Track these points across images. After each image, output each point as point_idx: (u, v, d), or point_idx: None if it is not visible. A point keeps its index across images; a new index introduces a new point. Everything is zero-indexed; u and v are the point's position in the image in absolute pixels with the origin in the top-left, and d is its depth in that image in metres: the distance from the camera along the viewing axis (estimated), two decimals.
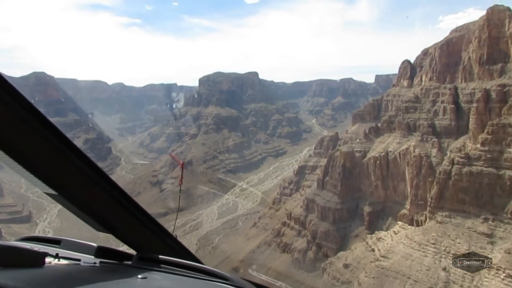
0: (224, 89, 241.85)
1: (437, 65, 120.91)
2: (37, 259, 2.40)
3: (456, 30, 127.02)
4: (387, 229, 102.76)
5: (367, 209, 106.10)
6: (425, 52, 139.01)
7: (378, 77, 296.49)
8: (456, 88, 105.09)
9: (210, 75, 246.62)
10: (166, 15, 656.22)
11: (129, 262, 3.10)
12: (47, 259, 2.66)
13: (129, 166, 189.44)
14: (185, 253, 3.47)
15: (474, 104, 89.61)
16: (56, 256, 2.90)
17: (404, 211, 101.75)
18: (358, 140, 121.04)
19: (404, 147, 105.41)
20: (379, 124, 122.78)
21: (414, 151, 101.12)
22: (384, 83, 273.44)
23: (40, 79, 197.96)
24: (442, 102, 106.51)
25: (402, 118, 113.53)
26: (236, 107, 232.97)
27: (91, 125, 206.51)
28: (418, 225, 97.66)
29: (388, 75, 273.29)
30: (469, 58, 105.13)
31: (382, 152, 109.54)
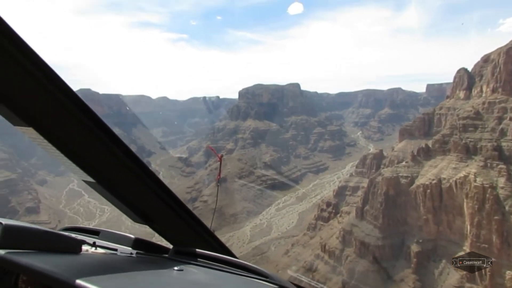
0: (264, 101, 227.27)
1: (502, 73, 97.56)
2: (75, 246, 2.41)
3: None
4: (440, 274, 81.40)
5: (415, 248, 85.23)
6: (486, 59, 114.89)
7: (429, 86, 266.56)
8: None
9: (249, 88, 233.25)
10: (211, 29, 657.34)
11: (166, 255, 2.96)
12: (84, 247, 2.68)
13: (167, 181, 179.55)
14: (223, 248, 3.25)
15: None
16: (93, 245, 2.84)
17: (462, 254, 79.82)
18: (404, 163, 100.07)
19: (461, 175, 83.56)
20: (430, 144, 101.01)
21: (475, 180, 79.24)
22: (436, 93, 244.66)
23: (85, 96, 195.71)
24: (511, 119, 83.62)
25: (458, 138, 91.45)
26: (275, 120, 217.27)
27: (133, 138, 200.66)
28: (480, 276, 75.57)
29: (441, 84, 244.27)
30: None
31: (433, 179, 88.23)
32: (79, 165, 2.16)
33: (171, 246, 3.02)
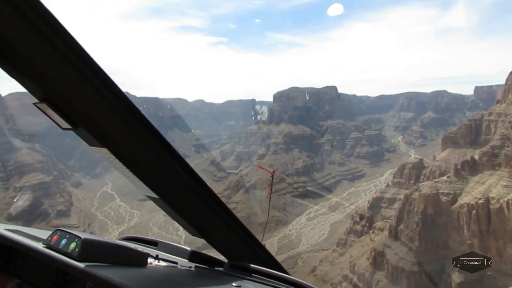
0: (299, 105, 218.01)
1: None
2: (141, 259, 2.48)
3: None
4: None
5: (456, 277, 73.36)
6: None
7: (478, 88, 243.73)
8: None
9: (284, 91, 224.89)
10: (249, 32, 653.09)
11: (221, 269, 2.98)
12: (149, 260, 2.72)
13: None
14: (275, 264, 3.17)
15: None
16: (157, 258, 2.87)
17: None
18: (446, 177, 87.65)
19: None
20: (476, 156, 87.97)
21: None
22: (485, 96, 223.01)
23: None
24: None
25: (511, 151, 78.20)
26: (310, 125, 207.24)
27: (168, 142, 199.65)
28: None
29: (490, 87, 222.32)
30: None
31: (480, 198, 75.75)
32: (146, 183, 2.21)
33: (224, 258, 2.98)
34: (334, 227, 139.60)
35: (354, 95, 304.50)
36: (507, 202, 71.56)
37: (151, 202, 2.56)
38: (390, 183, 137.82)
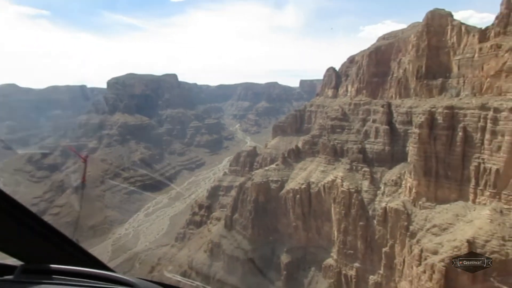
0: (136, 93, 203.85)
1: (364, 75, 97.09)
2: None
3: (383, 37, 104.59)
4: (309, 284, 76.38)
5: (284, 258, 78.74)
6: (351, 60, 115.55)
7: (302, 82, 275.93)
8: (389, 105, 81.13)
9: (120, 77, 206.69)
10: (80, 7, 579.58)
11: (11, 277, 2.53)
12: None
13: (8, 189, 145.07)
14: (89, 259, 2.97)
15: (416, 130, 65.14)
16: None
17: (330, 260, 75.87)
18: (274, 165, 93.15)
19: (329, 178, 79.37)
20: (300, 145, 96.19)
21: (342, 185, 75.40)
22: (308, 88, 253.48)
23: None
24: (374, 121, 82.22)
25: (327, 139, 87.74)
26: (148, 114, 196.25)
27: None
28: (347, 283, 72.29)
29: (312, 81, 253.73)
30: (405, 70, 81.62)
31: (303, 184, 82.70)
32: None
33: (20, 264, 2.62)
34: (174, 219, 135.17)
35: (195, 84, 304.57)
36: (324, 186, 79.81)
37: None
38: (227, 171, 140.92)
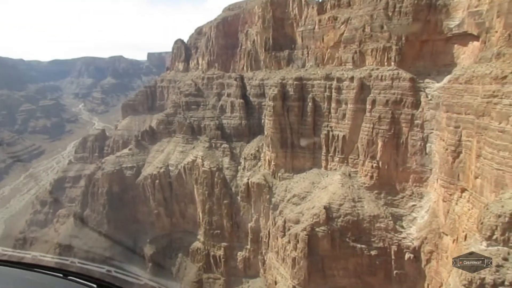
0: None
1: (214, 47, 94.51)
2: None
3: (229, 8, 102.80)
4: (177, 271, 72.56)
5: (148, 250, 72.61)
6: (199, 31, 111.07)
7: (150, 55, 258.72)
8: (242, 78, 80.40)
9: None
10: None
11: None
12: None
13: None
14: None
15: (270, 102, 65.68)
16: None
17: (197, 243, 73.14)
18: (128, 150, 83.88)
19: (189, 159, 75.23)
20: (154, 125, 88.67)
21: (203, 164, 72.23)
22: (157, 62, 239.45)
23: None
24: (229, 95, 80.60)
25: (183, 117, 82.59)
26: None
27: None
28: (216, 264, 70.99)
29: (160, 53, 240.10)
30: (253, 41, 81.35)
31: (161, 167, 76.62)
32: None
33: None
34: (11, 223, 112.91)
35: (21, 60, 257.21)
36: (184, 167, 75.39)
37: None
38: (72, 159, 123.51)
